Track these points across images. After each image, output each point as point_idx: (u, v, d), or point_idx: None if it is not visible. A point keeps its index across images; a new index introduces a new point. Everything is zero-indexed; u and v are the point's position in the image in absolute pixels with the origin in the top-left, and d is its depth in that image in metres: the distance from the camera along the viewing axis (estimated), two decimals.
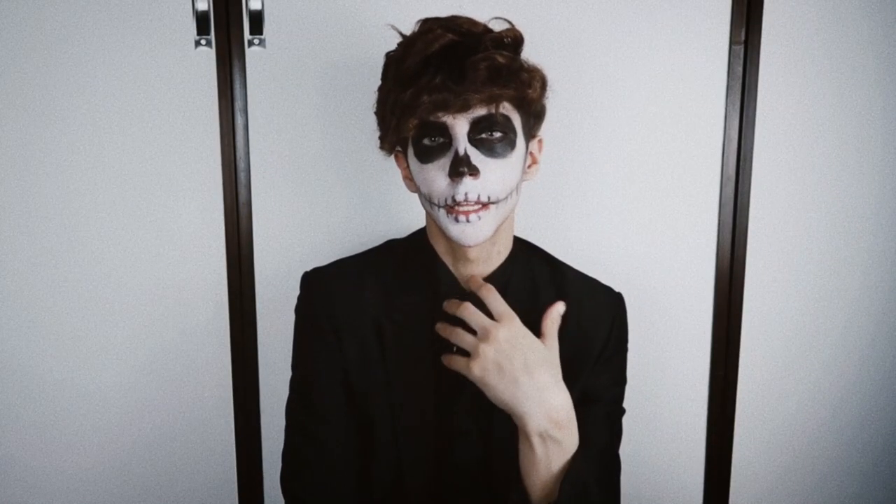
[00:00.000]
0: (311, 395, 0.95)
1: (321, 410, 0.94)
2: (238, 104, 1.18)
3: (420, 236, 0.98)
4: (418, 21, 0.87)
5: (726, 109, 1.22)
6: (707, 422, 1.31)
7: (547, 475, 0.83)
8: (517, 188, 0.88)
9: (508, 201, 0.86)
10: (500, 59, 0.81)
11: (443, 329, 0.87)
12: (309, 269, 0.99)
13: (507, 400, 0.82)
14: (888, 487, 1.37)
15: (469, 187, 0.82)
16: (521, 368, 0.81)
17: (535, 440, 0.82)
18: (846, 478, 1.36)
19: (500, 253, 0.93)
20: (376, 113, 0.90)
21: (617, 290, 1.03)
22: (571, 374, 0.95)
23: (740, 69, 1.21)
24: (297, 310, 0.98)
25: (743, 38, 1.20)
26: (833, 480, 1.36)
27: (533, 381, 0.82)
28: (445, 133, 0.83)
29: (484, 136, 0.83)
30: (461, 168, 0.81)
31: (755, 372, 1.30)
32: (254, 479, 1.28)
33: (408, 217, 1.21)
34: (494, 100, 0.81)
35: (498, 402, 0.83)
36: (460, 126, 0.82)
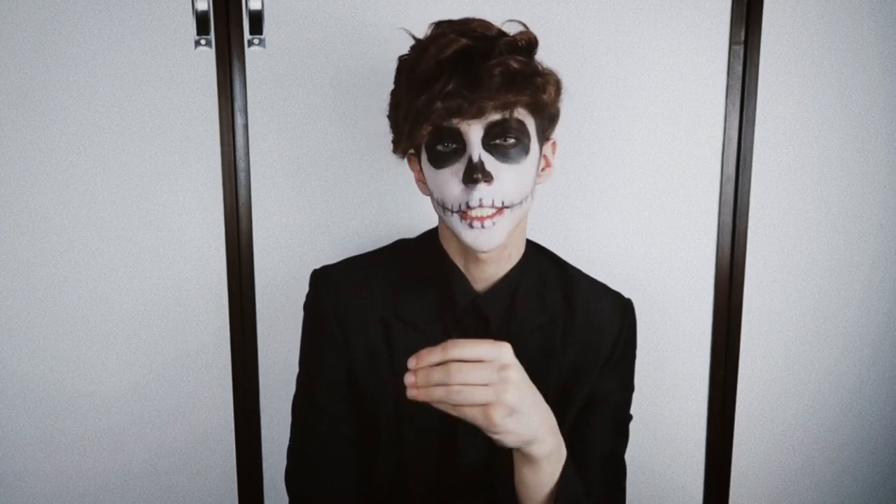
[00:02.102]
0: (317, 393, 0.95)
1: (326, 408, 0.94)
2: (238, 104, 1.18)
3: (431, 237, 0.97)
4: (431, 24, 0.86)
5: (726, 109, 1.22)
6: (707, 422, 1.31)
7: (543, 492, 0.81)
8: (531, 192, 0.87)
9: (523, 206, 0.86)
10: (515, 65, 0.80)
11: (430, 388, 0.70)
12: (316, 267, 0.99)
13: (528, 436, 0.75)
14: (888, 487, 1.37)
15: (483, 193, 0.81)
16: (535, 401, 0.76)
17: (545, 463, 0.79)
18: (846, 478, 1.36)
19: (511, 256, 0.93)
20: (389, 117, 0.89)
21: (627, 296, 1.02)
22: (578, 379, 0.95)
23: (740, 69, 1.21)
24: (305, 307, 0.98)
25: (743, 38, 1.20)
26: (833, 480, 1.36)
27: (543, 406, 0.78)
28: (459, 139, 0.82)
29: (498, 141, 0.82)
30: (475, 175, 0.80)
31: (755, 372, 1.30)
32: (254, 479, 1.28)
33: (408, 217, 1.21)
34: (509, 106, 0.81)
35: (516, 443, 0.75)
36: (474, 132, 0.81)
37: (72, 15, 1.15)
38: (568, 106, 1.18)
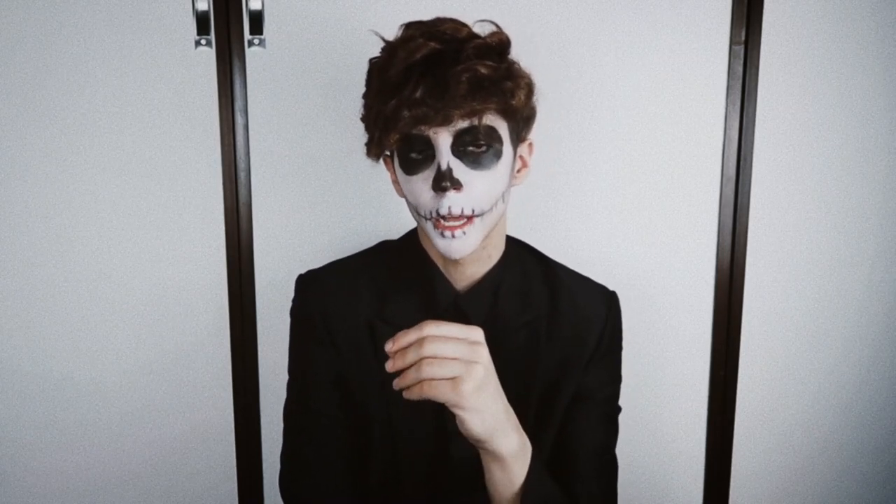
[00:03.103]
0: (308, 397, 0.95)
1: (318, 412, 0.94)
2: (238, 104, 1.18)
3: (412, 237, 0.97)
4: (401, 26, 0.85)
5: (726, 109, 1.22)
6: (707, 422, 1.31)
7: (512, 490, 0.81)
8: (503, 196, 0.87)
9: (494, 211, 0.85)
10: (483, 70, 0.79)
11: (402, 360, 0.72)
12: (304, 271, 0.99)
13: (492, 422, 0.76)
14: (887, 487, 1.37)
15: (453, 201, 0.81)
16: (499, 390, 0.78)
17: (511, 460, 0.79)
18: (846, 477, 1.36)
19: (490, 256, 0.93)
20: (362, 120, 0.89)
21: (612, 288, 1.02)
22: (565, 374, 0.95)
23: (740, 69, 1.21)
24: (292, 312, 0.99)
25: (743, 38, 1.20)
26: (833, 480, 1.36)
27: (505, 401, 0.79)
28: (429, 146, 0.81)
29: (468, 148, 0.81)
30: (444, 183, 0.80)
31: (755, 373, 1.30)
32: (254, 480, 1.28)
33: (407, 216, 1.21)
34: (476, 114, 0.80)
35: (480, 429, 0.75)
36: (443, 139, 0.81)
37: (72, 15, 1.15)
38: (568, 106, 1.19)
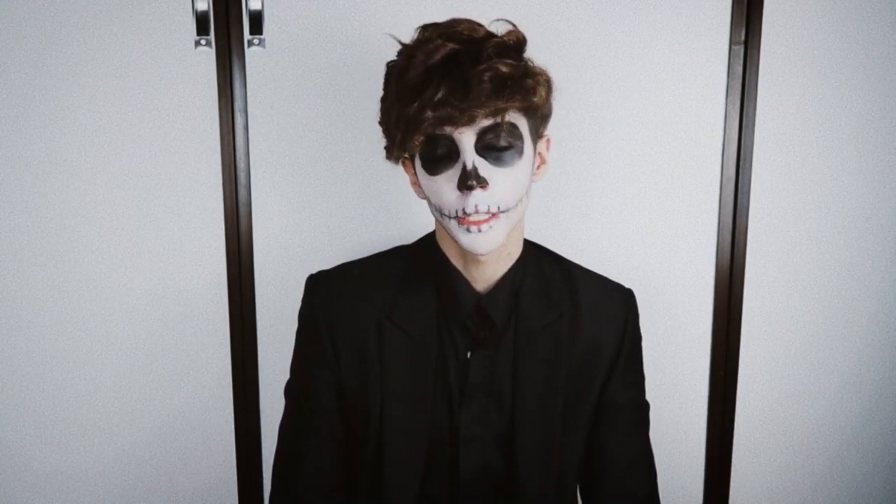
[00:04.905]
0: (307, 398, 0.95)
1: (317, 413, 0.94)
2: (238, 104, 1.18)
3: (429, 240, 0.97)
4: (417, 28, 0.85)
5: (726, 109, 1.22)
6: (707, 422, 1.31)
7: None
8: (527, 193, 0.87)
9: (518, 207, 0.85)
10: (504, 69, 0.79)
11: None
12: (313, 271, 0.99)
13: None
14: (887, 487, 1.37)
15: (479, 199, 0.81)
16: None
17: None
18: (846, 478, 1.36)
19: (510, 255, 0.93)
20: (380, 123, 0.88)
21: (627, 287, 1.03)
22: (589, 375, 0.96)
23: (740, 69, 1.21)
24: (299, 313, 0.98)
25: (743, 38, 1.20)
26: (833, 480, 1.36)
27: None
28: (452, 146, 0.82)
29: (491, 146, 0.82)
30: (470, 182, 0.80)
31: (755, 372, 1.30)
32: (254, 479, 1.28)
33: (408, 217, 1.21)
34: (500, 112, 0.80)
35: None
36: (467, 138, 0.81)
37: (72, 15, 1.15)
38: (568, 106, 1.18)
